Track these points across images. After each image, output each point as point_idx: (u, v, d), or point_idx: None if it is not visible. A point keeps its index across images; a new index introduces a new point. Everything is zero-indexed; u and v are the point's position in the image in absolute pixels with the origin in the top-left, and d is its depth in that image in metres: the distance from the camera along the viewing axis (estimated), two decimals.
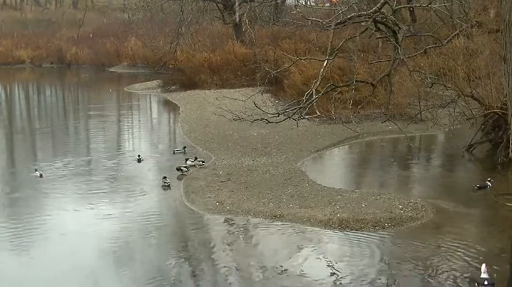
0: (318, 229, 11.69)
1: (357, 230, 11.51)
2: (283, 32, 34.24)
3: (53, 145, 21.61)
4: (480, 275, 9.12)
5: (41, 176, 15.78)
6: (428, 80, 18.43)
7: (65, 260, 10.58)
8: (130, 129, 24.61)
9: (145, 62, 43.89)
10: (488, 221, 12.22)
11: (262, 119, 17.57)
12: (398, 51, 16.30)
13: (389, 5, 17.62)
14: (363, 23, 18.42)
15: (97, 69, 47.70)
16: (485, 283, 8.87)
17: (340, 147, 19.06)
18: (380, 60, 22.35)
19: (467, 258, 10.19)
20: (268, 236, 11.64)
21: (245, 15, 33.46)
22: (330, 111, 19.16)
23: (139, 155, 17.67)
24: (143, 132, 23.80)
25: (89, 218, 12.71)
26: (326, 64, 17.36)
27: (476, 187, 13.95)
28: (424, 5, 22.20)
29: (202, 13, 36.83)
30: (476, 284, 9.11)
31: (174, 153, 18.29)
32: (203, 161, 16.57)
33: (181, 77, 32.78)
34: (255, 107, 17.76)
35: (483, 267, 9.16)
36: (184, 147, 18.54)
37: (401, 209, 12.28)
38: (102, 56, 49.39)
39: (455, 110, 18.16)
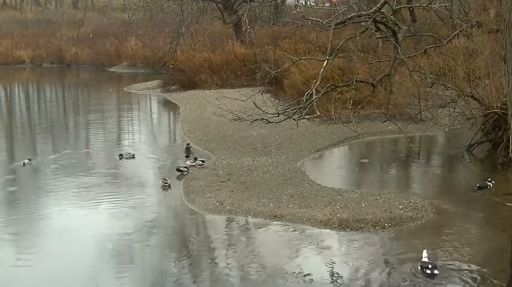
0: (318, 229, 11.69)
1: (357, 230, 11.51)
2: (283, 32, 34.23)
3: (51, 142, 21.71)
4: (422, 259, 9.72)
5: (23, 165, 16.67)
6: (428, 80, 18.42)
7: (63, 259, 10.60)
8: (130, 129, 24.62)
9: (145, 62, 43.91)
10: (488, 221, 12.20)
11: (262, 119, 17.56)
12: (398, 51, 16.30)
13: (389, 5, 17.63)
14: (363, 23, 18.41)
15: (97, 69, 47.70)
16: (429, 266, 9.56)
17: (340, 147, 19.05)
18: (380, 60, 22.35)
19: (467, 258, 10.19)
20: (268, 236, 11.64)
21: (245, 15, 33.45)
22: (330, 111, 19.16)
23: (120, 153, 17.84)
24: (143, 132, 23.82)
25: (88, 217, 12.75)
26: (326, 64, 17.38)
27: (476, 187, 13.95)
28: (424, 5, 22.22)
29: (202, 13, 36.79)
30: (420, 267, 9.67)
31: (189, 144, 18.71)
32: (203, 161, 16.58)
33: (181, 77, 32.77)
34: (255, 107, 17.75)
35: (424, 252, 9.78)
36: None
37: (401, 209, 12.27)
38: (102, 56, 49.38)
39: (455, 110, 18.16)
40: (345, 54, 22.42)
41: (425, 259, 9.69)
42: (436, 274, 9.49)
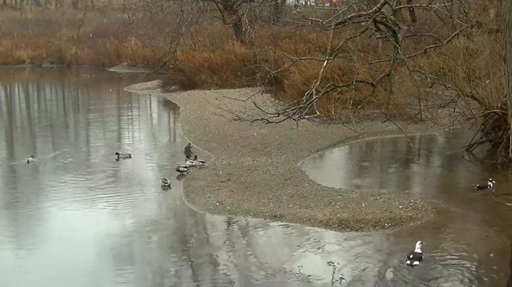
0: (318, 229, 11.69)
1: (356, 230, 11.51)
2: (283, 32, 34.23)
3: (51, 141, 21.80)
4: (414, 250, 10.00)
5: (28, 162, 17.00)
6: (428, 80, 18.41)
7: (63, 259, 10.60)
8: (129, 129, 24.61)
9: (145, 62, 43.89)
10: (488, 221, 12.21)
11: (262, 119, 17.55)
12: (398, 51, 16.29)
13: (389, 5, 17.62)
14: (363, 23, 18.39)
15: (97, 69, 47.67)
16: (411, 256, 9.85)
17: (340, 147, 19.06)
18: (380, 60, 22.34)
19: (467, 258, 10.20)
20: (268, 236, 11.65)
21: (245, 15, 33.44)
22: (330, 111, 19.14)
23: (117, 153, 17.86)
24: (143, 132, 23.80)
25: (88, 217, 12.76)
26: (326, 64, 17.36)
27: (476, 187, 13.94)
28: (424, 5, 22.22)
29: (202, 13, 36.79)
30: (406, 257, 9.94)
31: (189, 144, 18.81)
32: (203, 162, 16.58)
33: (181, 77, 32.76)
34: (255, 107, 17.75)
35: (417, 244, 10.03)
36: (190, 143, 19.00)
37: (401, 209, 12.28)
38: (102, 56, 49.36)
39: (455, 110, 18.16)
40: (345, 54, 22.41)
41: (417, 250, 9.92)
42: (416, 264, 9.73)
